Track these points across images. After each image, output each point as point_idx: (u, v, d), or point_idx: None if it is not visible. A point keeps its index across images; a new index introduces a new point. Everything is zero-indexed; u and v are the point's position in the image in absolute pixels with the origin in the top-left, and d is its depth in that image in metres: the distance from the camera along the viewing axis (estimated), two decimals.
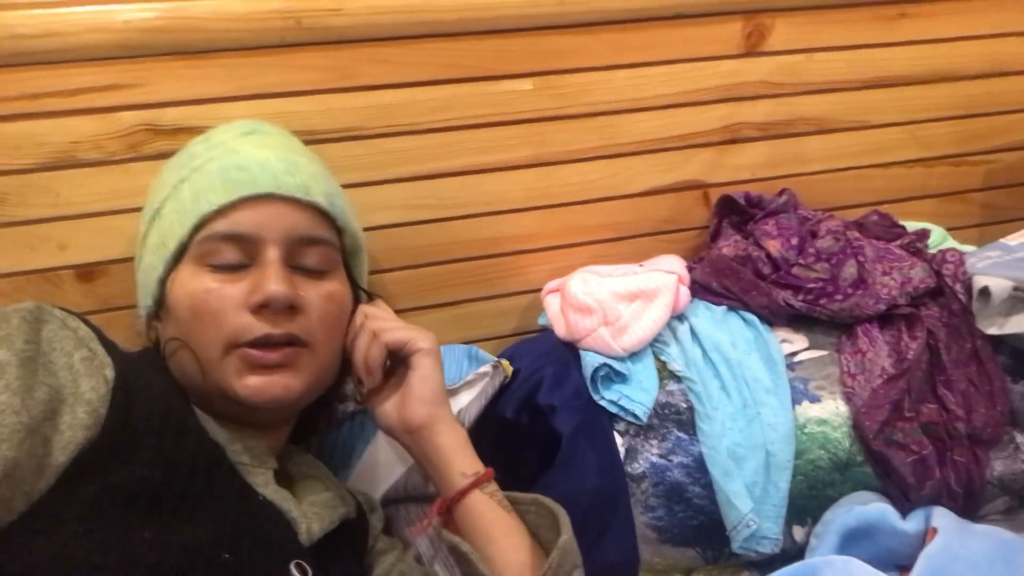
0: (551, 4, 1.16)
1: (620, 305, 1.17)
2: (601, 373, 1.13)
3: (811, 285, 1.21)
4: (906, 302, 1.19)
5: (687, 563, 1.12)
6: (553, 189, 1.28)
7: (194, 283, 0.87)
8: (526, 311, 1.35)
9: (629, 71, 1.25)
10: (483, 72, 1.18)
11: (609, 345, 1.14)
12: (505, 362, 1.16)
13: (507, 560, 0.91)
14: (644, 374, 1.14)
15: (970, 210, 1.53)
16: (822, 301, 1.20)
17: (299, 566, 0.80)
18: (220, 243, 0.87)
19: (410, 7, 1.11)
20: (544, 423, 1.10)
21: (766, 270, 1.25)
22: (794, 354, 1.18)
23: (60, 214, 1.08)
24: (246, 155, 0.91)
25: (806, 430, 1.11)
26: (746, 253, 1.26)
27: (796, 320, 1.22)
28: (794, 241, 1.26)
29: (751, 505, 1.06)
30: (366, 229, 1.17)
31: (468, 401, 1.12)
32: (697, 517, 1.09)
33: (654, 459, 1.09)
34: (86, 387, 0.73)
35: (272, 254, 0.87)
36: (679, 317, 1.22)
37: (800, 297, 1.21)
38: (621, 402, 1.11)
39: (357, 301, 1.01)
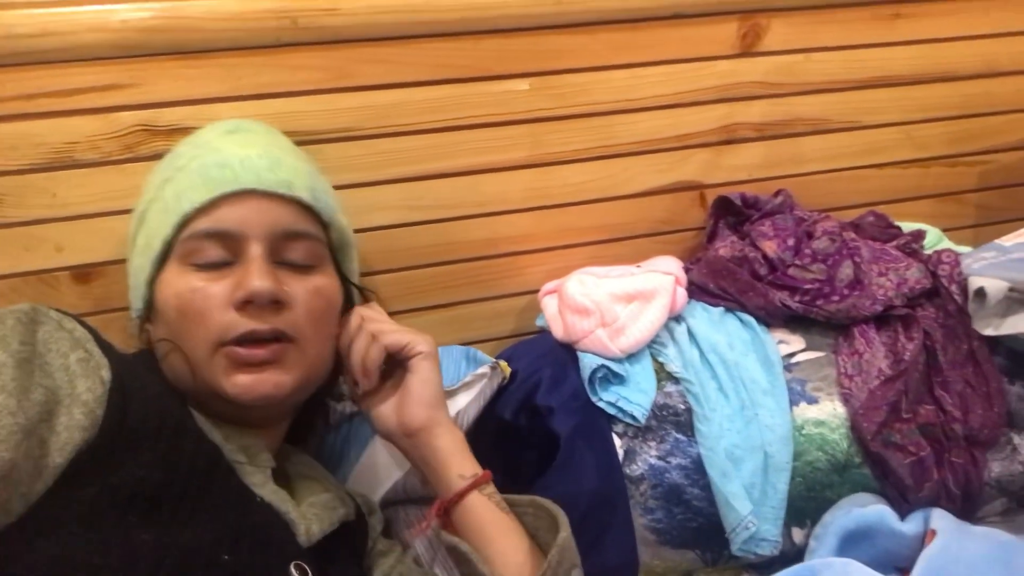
0: (548, 4, 1.16)
1: (617, 306, 1.17)
2: (599, 374, 1.13)
3: (808, 286, 1.21)
4: (902, 303, 1.19)
5: (686, 565, 1.12)
6: (550, 190, 1.28)
7: (180, 283, 0.87)
8: (523, 312, 1.35)
9: (626, 71, 1.25)
10: (480, 72, 1.18)
11: (607, 346, 1.14)
12: (503, 363, 1.16)
13: (505, 561, 0.91)
14: (642, 375, 1.14)
15: (965, 211, 1.53)
16: (819, 302, 1.20)
17: (299, 567, 0.80)
18: (203, 241, 0.87)
19: (407, 7, 1.11)
20: (542, 424, 1.10)
21: (763, 271, 1.25)
22: (791, 355, 1.18)
23: (57, 215, 1.08)
24: (228, 153, 0.91)
25: (804, 431, 1.11)
26: (742, 254, 1.26)
27: (793, 321, 1.22)
28: (790, 242, 1.26)
29: (750, 507, 1.06)
30: (363, 230, 1.18)
31: (466, 402, 1.12)
32: (696, 519, 1.09)
33: (652, 461, 1.09)
34: (82, 388, 0.73)
35: (255, 250, 0.87)
36: (676, 318, 1.22)
37: (797, 298, 1.21)
38: (619, 403, 1.10)
39: (348, 297, 1.01)
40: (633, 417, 1.10)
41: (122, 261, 0.97)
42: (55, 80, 1.03)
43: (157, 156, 1.04)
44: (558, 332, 1.19)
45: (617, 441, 1.10)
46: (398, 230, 1.23)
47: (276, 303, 0.86)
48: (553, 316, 1.21)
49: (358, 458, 1.12)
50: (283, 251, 0.90)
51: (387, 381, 1.00)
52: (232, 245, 0.87)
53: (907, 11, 1.34)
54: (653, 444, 1.10)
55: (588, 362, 1.13)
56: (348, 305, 1.00)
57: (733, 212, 1.35)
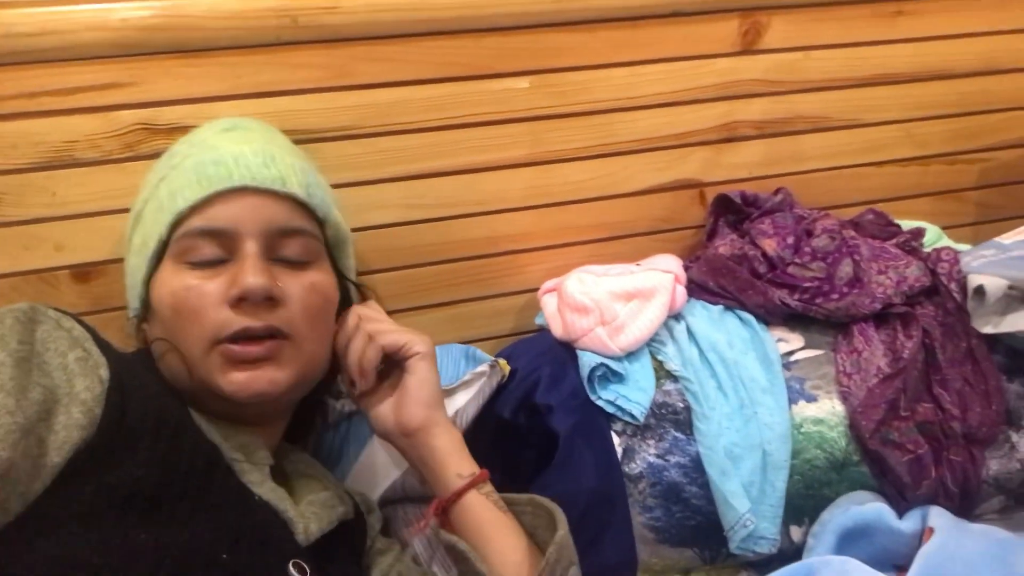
0: (548, 2, 1.16)
1: (617, 305, 1.17)
2: (598, 373, 1.13)
3: (807, 284, 1.21)
4: (901, 301, 1.20)
5: (685, 563, 1.12)
6: (550, 188, 1.28)
7: (174, 281, 0.86)
8: (523, 311, 1.35)
9: (626, 69, 1.24)
10: (479, 70, 1.18)
11: (606, 345, 1.14)
12: (503, 361, 1.16)
13: (504, 560, 0.91)
14: (641, 374, 1.14)
15: (965, 209, 1.53)
16: (818, 300, 1.20)
17: (297, 566, 0.80)
18: (197, 239, 0.87)
19: (406, 5, 1.10)
20: (541, 423, 1.10)
21: (762, 269, 1.25)
22: (790, 353, 1.18)
23: (57, 214, 1.08)
24: (222, 150, 0.91)
25: (802, 430, 1.11)
26: (742, 252, 1.26)
27: (792, 319, 1.22)
28: (790, 240, 1.26)
29: (748, 505, 1.06)
30: (363, 229, 1.18)
31: (465, 401, 1.12)
32: (695, 517, 1.09)
33: (651, 459, 1.09)
34: (81, 387, 0.73)
35: (250, 247, 0.87)
36: (676, 316, 1.22)
37: (796, 296, 1.21)
38: (618, 402, 1.11)
39: (346, 294, 1.00)
40: (632, 415, 1.10)
41: (122, 260, 0.97)
42: (55, 79, 1.03)
43: (157, 155, 1.03)
44: (557, 330, 1.20)
45: (616, 439, 1.10)
46: (398, 229, 1.23)
47: (270, 300, 0.86)
48: (552, 314, 1.22)
49: (357, 457, 1.12)
50: (278, 248, 0.89)
51: (385, 381, 1.00)
52: (226, 243, 0.87)
53: (908, 8, 1.34)
54: (652, 442, 1.10)
55: (587, 360, 1.13)
56: (345, 302, 1.00)
57: (733, 210, 1.35)
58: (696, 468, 1.09)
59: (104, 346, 0.78)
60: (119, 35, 1.02)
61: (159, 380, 0.87)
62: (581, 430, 1.08)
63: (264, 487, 0.85)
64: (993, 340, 1.16)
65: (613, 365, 1.13)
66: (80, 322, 0.79)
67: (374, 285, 1.15)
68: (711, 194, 1.36)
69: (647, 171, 1.32)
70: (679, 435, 1.10)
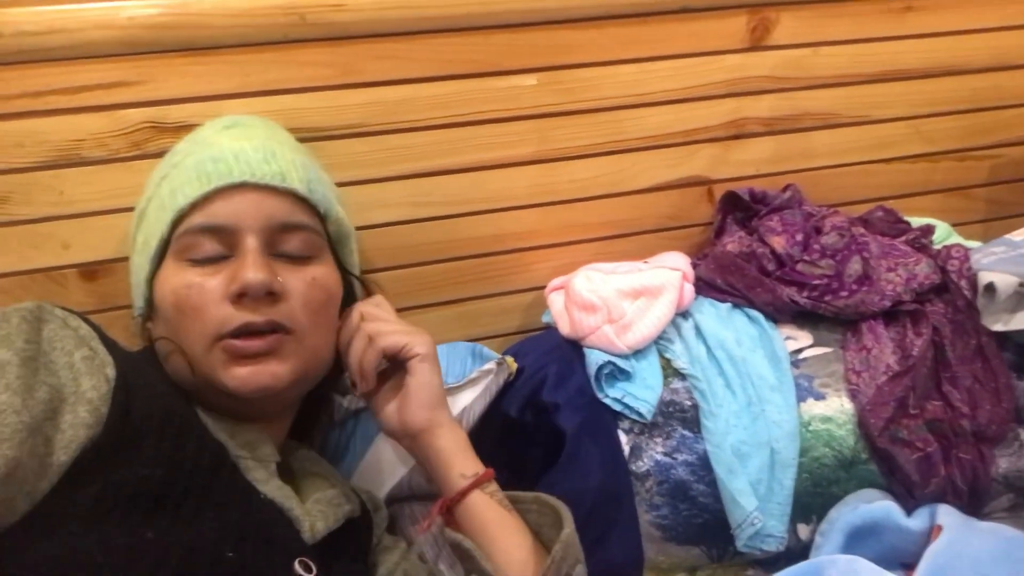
0: None
1: (624, 302, 1.16)
2: (605, 371, 1.13)
3: (816, 282, 1.21)
4: (911, 298, 1.19)
5: (692, 561, 1.11)
6: (557, 185, 1.28)
7: (176, 279, 0.86)
8: (530, 309, 1.35)
9: (634, 66, 1.24)
10: (487, 68, 1.18)
11: (613, 343, 1.14)
12: (510, 359, 1.16)
13: (509, 559, 0.90)
14: (648, 372, 1.14)
15: (974, 205, 1.53)
16: (827, 298, 1.20)
17: (303, 563, 0.80)
18: (198, 236, 0.87)
19: (413, 2, 1.10)
20: (548, 421, 1.10)
21: (771, 267, 1.24)
22: (799, 351, 1.18)
23: (64, 212, 1.08)
24: (223, 147, 0.91)
25: (811, 427, 1.10)
26: (751, 250, 1.26)
27: (801, 317, 1.22)
28: (799, 237, 1.26)
29: (756, 503, 1.06)
30: (369, 227, 1.18)
31: (472, 399, 1.12)
32: (702, 515, 1.09)
33: (659, 457, 1.09)
34: (87, 386, 0.73)
35: (250, 243, 0.86)
36: (684, 314, 1.21)
37: (805, 294, 1.20)
38: (625, 400, 1.10)
39: (350, 289, 1.00)
40: (639, 413, 1.10)
41: (128, 259, 0.97)
42: (62, 77, 1.03)
43: (165, 154, 1.03)
44: (564, 328, 1.19)
45: (623, 437, 1.10)
46: (404, 226, 1.23)
47: (271, 295, 0.85)
48: (560, 312, 1.21)
49: (363, 454, 1.12)
50: (279, 243, 0.89)
51: (388, 381, 0.99)
52: (227, 239, 0.87)
53: (917, 4, 1.33)
54: (659, 440, 1.10)
55: (594, 358, 1.13)
56: (350, 298, 1.00)
57: (741, 207, 1.35)
58: (703, 466, 1.08)
59: (110, 345, 0.78)
60: (126, 33, 1.02)
61: (165, 379, 0.87)
62: (588, 428, 1.08)
63: (270, 485, 0.85)
64: (1003, 338, 1.15)
65: (620, 363, 1.13)
66: (86, 321, 0.79)
67: (380, 283, 1.15)
68: (719, 191, 1.36)
69: (655, 168, 1.32)
70: (686, 433, 1.10)
